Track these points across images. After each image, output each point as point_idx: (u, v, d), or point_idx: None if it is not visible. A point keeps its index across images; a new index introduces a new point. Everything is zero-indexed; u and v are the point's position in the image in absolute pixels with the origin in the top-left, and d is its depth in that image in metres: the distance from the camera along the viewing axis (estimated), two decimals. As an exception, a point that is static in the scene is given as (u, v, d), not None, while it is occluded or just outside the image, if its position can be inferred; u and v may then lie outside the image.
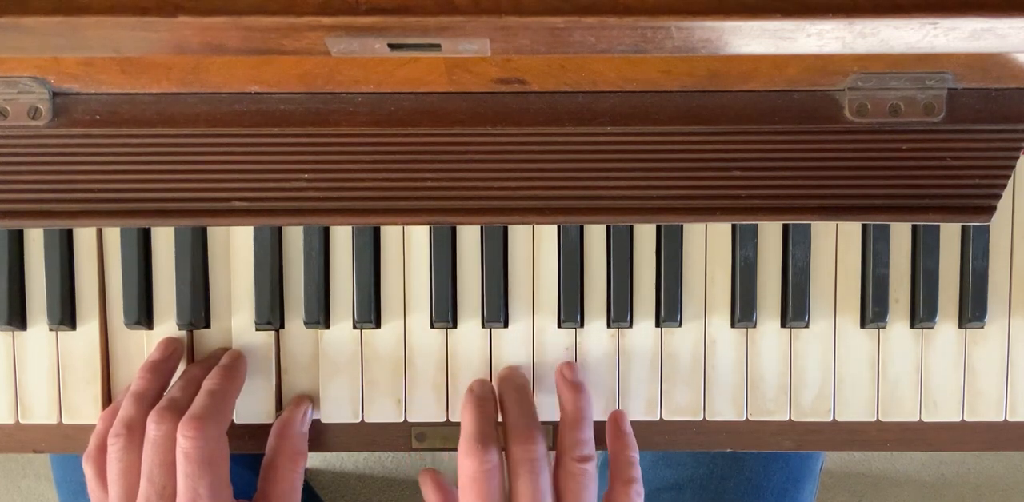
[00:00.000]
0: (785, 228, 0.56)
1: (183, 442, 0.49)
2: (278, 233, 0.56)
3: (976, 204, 0.51)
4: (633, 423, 0.55)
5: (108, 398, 0.56)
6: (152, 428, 0.50)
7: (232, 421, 0.56)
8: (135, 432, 0.51)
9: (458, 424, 0.57)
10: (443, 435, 0.57)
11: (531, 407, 0.53)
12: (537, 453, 0.50)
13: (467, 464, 0.49)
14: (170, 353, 0.55)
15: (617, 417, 0.55)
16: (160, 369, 0.54)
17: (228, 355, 0.55)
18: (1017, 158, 0.52)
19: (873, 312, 0.56)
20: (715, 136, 0.51)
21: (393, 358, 0.56)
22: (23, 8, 0.37)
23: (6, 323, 0.55)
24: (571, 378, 0.55)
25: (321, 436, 0.57)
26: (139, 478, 0.50)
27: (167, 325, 0.56)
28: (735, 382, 0.57)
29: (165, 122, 0.51)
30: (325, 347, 0.56)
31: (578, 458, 0.51)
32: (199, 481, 0.49)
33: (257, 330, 0.56)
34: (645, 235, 0.56)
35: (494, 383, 0.56)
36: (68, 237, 0.56)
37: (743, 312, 0.56)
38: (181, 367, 0.56)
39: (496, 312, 0.56)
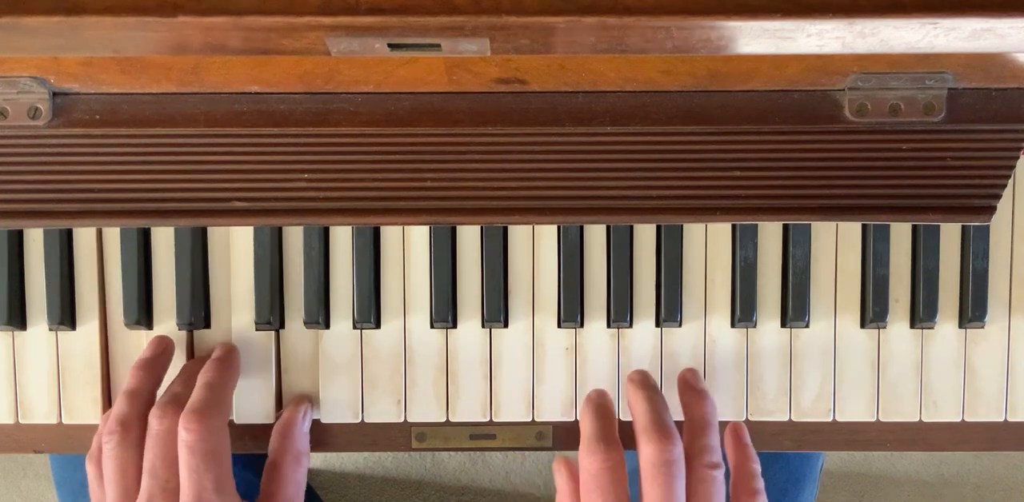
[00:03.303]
0: (785, 228, 0.56)
1: (185, 435, 0.49)
2: (278, 233, 0.56)
3: (976, 204, 0.51)
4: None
5: (108, 398, 0.56)
6: (155, 422, 0.50)
7: (232, 421, 0.56)
8: (130, 429, 0.51)
9: (458, 425, 0.57)
10: (443, 435, 0.57)
11: (666, 408, 0.51)
12: (675, 454, 0.48)
13: (589, 461, 0.49)
14: (161, 351, 0.55)
15: (737, 429, 0.54)
16: (152, 366, 0.54)
17: (220, 347, 0.55)
18: (1017, 158, 0.52)
19: (873, 312, 0.56)
20: (715, 136, 0.51)
21: (393, 358, 0.56)
22: (23, 8, 0.37)
23: (6, 323, 0.55)
24: (695, 385, 0.54)
25: (321, 436, 0.57)
26: (137, 475, 0.50)
27: (167, 325, 0.56)
28: (735, 382, 0.57)
29: (165, 122, 0.51)
30: (325, 347, 0.56)
31: (708, 464, 0.50)
32: (205, 474, 0.49)
33: (257, 330, 0.56)
34: (645, 235, 0.56)
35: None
36: (68, 237, 0.56)
37: (743, 312, 0.56)
38: (177, 365, 0.56)
39: (496, 312, 0.56)
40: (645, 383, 0.53)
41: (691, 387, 0.54)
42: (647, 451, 0.48)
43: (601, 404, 0.53)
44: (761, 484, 0.52)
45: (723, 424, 0.55)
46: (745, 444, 0.53)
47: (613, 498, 0.48)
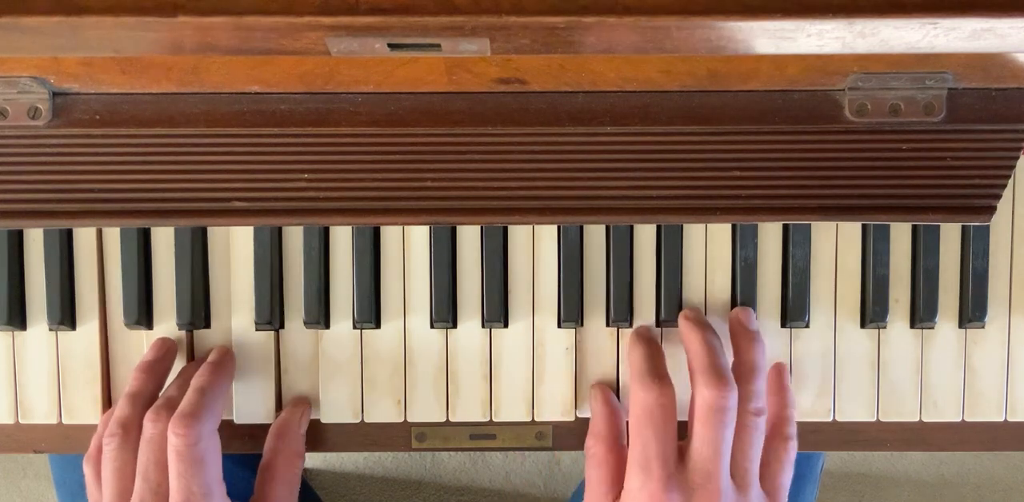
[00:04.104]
0: (785, 228, 0.56)
1: (174, 440, 0.49)
2: (278, 233, 0.56)
3: (976, 204, 0.51)
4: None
5: (108, 398, 0.56)
6: (149, 426, 0.50)
7: (232, 421, 0.56)
8: (130, 432, 0.51)
9: (458, 425, 0.57)
10: (443, 435, 0.57)
11: (723, 352, 0.50)
12: (732, 401, 0.47)
13: (643, 397, 0.48)
14: (163, 353, 0.55)
15: (781, 372, 0.54)
16: (154, 369, 0.54)
17: (216, 351, 0.55)
18: (1017, 158, 0.52)
19: (873, 312, 0.56)
20: (715, 136, 0.51)
21: (393, 358, 0.56)
22: (23, 8, 0.37)
23: (6, 323, 0.55)
24: (748, 325, 0.53)
25: (321, 436, 0.57)
26: (134, 477, 0.50)
27: (167, 325, 0.56)
28: (735, 382, 0.56)
29: (165, 122, 0.51)
30: (325, 347, 0.56)
31: (754, 410, 0.49)
32: (192, 479, 0.49)
33: (257, 330, 0.56)
34: (645, 235, 0.56)
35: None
36: (68, 237, 0.56)
37: (743, 312, 0.56)
38: (177, 366, 0.56)
39: (496, 312, 0.56)
40: (701, 321, 0.52)
41: (744, 328, 0.53)
42: (705, 394, 0.48)
43: (651, 339, 0.52)
44: (795, 430, 0.52)
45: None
46: (786, 387, 0.53)
47: (663, 434, 0.48)
